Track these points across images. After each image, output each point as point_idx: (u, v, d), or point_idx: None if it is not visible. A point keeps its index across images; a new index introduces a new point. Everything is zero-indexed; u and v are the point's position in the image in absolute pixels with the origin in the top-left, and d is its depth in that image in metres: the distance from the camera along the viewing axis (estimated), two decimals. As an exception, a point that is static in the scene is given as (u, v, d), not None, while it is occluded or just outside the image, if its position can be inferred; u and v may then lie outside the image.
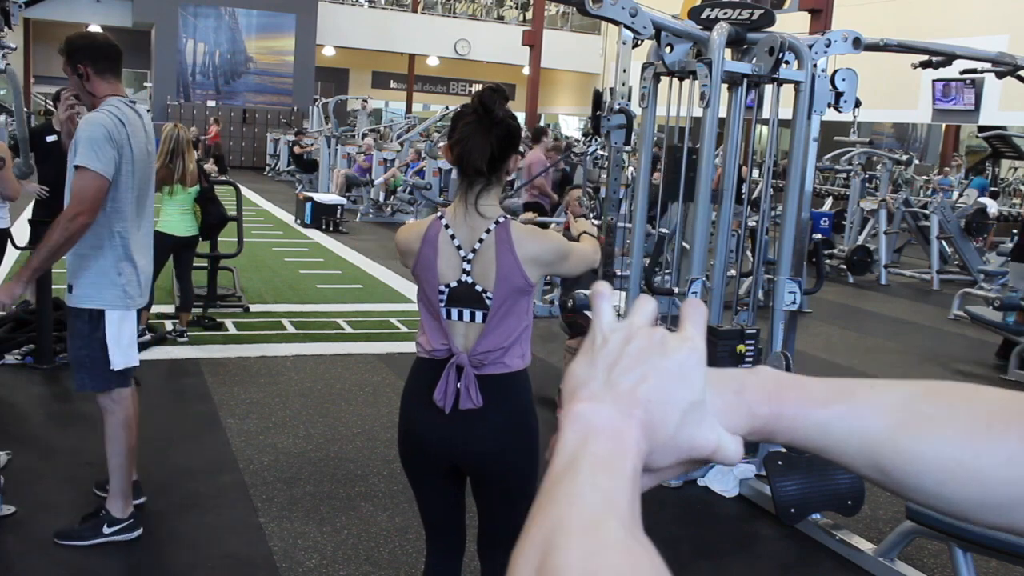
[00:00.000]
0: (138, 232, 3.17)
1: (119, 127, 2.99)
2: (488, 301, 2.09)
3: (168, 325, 6.15)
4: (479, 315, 2.09)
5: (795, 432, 0.57)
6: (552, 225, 7.78)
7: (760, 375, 0.58)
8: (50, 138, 5.21)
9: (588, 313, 4.87)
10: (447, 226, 2.11)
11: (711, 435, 0.53)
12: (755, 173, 8.33)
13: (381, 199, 13.75)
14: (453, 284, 2.10)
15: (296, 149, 17.40)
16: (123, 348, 3.11)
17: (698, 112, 4.00)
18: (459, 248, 2.10)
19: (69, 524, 3.25)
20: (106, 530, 3.20)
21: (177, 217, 5.77)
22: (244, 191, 8.58)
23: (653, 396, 0.51)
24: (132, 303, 3.14)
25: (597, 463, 0.47)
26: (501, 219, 2.10)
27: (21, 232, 7.62)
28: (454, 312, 2.11)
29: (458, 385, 2.08)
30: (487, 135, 2.05)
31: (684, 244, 5.09)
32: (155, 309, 6.16)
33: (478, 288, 2.09)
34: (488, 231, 2.09)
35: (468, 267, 2.09)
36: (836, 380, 0.59)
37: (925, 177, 15.68)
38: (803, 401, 0.56)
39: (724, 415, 0.55)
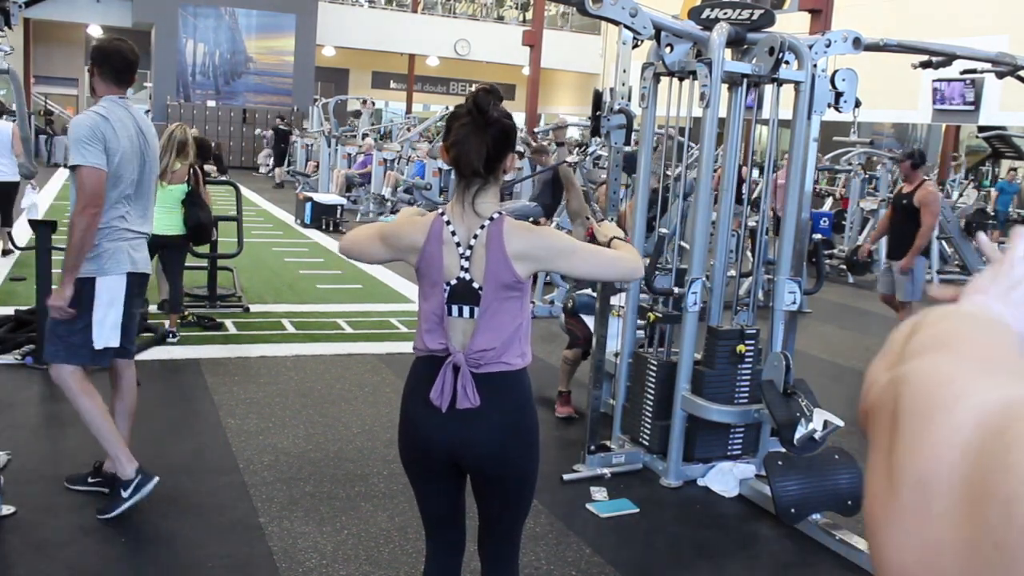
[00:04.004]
0: (127, 217, 3.41)
1: (102, 123, 3.26)
2: (481, 296, 2.10)
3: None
4: (476, 311, 2.11)
5: None
6: (552, 225, 7.77)
7: None
8: None
9: (584, 317, 4.87)
10: (448, 222, 2.12)
11: None
12: (755, 173, 8.33)
13: (388, 195, 13.69)
14: (454, 281, 2.11)
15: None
16: (108, 329, 3.34)
17: (698, 112, 4.00)
18: (458, 245, 2.11)
19: (103, 501, 3.44)
20: (124, 494, 3.36)
21: (158, 215, 5.73)
22: (244, 191, 8.58)
23: None
24: (114, 268, 3.35)
25: (989, 323, 0.53)
26: (495, 216, 2.11)
27: (22, 233, 7.62)
28: (454, 309, 2.12)
29: (455, 385, 2.08)
30: (482, 136, 2.06)
31: (683, 244, 5.09)
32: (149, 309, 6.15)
33: (474, 285, 2.10)
34: (482, 227, 2.10)
35: (466, 264, 2.11)
36: None
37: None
38: None
39: None
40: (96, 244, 3.29)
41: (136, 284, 3.45)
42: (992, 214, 14.27)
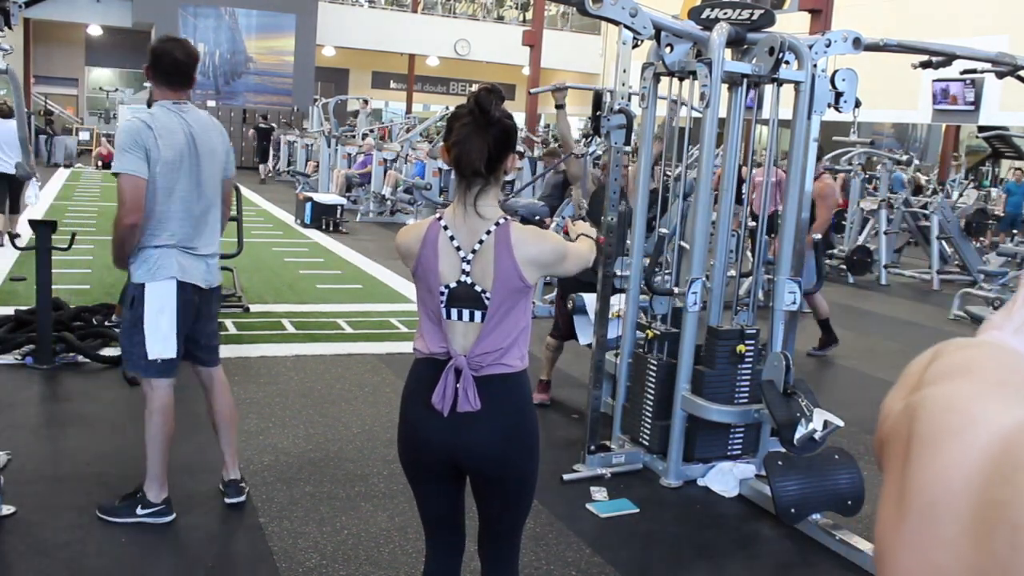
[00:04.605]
0: (177, 235, 3.27)
1: (144, 131, 3.16)
2: (487, 301, 2.09)
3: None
4: (478, 315, 2.10)
5: None
6: (552, 225, 7.78)
7: None
8: None
9: (583, 318, 4.86)
10: (445, 227, 2.12)
11: None
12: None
13: (388, 194, 13.69)
14: (453, 285, 2.10)
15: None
16: (160, 339, 3.26)
17: (698, 112, 4.00)
18: (458, 249, 2.10)
19: (110, 500, 3.44)
20: (139, 511, 3.37)
21: None
22: (244, 191, 8.57)
23: None
24: (162, 273, 3.24)
25: (1008, 352, 0.55)
26: (501, 221, 2.10)
27: (22, 233, 7.62)
28: (454, 312, 2.11)
29: (456, 386, 2.08)
30: (484, 136, 2.05)
31: (683, 244, 5.09)
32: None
33: (477, 288, 2.10)
34: (488, 232, 2.09)
35: (467, 267, 2.10)
36: None
37: (926, 177, 15.69)
38: None
39: None
40: (143, 249, 3.21)
41: (192, 294, 3.30)
42: (998, 215, 14.26)
